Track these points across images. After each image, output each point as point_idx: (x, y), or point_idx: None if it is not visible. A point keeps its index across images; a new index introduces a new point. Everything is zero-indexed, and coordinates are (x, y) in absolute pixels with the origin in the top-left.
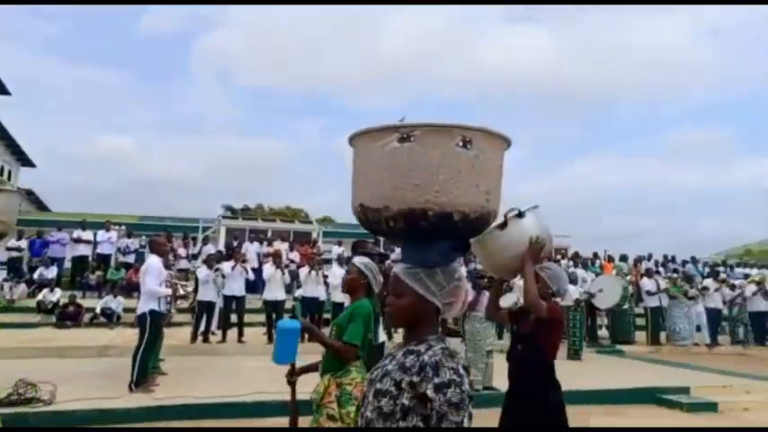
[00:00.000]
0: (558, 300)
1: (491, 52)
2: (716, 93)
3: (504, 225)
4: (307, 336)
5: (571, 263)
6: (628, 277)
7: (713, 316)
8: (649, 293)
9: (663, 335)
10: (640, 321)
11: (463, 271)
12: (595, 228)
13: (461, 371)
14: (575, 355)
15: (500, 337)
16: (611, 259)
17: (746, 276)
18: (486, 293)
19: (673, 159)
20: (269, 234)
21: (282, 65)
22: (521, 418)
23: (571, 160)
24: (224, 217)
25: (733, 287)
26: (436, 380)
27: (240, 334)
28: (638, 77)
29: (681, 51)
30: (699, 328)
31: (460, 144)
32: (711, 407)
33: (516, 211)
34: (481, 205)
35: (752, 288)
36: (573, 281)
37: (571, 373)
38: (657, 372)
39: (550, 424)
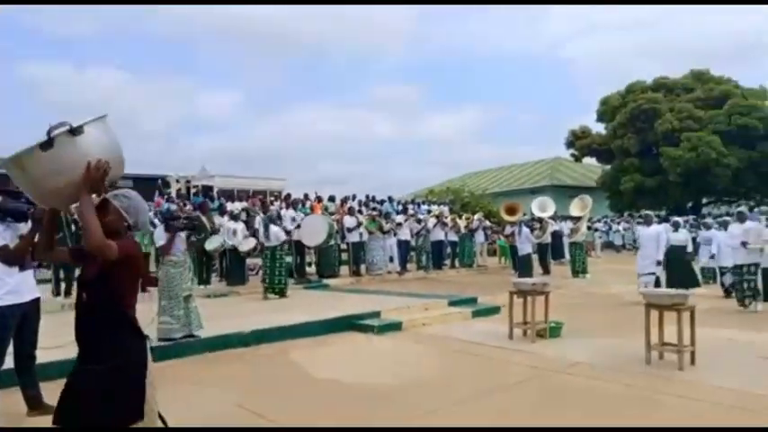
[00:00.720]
0: (132, 234)
1: None
2: (411, 54)
3: (48, 144)
4: None
5: (283, 204)
6: (333, 216)
7: (403, 247)
8: (349, 230)
9: (363, 267)
10: (346, 256)
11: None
12: (312, 173)
13: None
14: (280, 293)
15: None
16: (320, 200)
17: (429, 212)
18: (182, 235)
19: (376, 110)
20: None
21: None
22: (86, 386)
23: (289, 106)
24: None
25: (419, 221)
26: None
27: None
28: (352, 34)
29: (385, 13)
30: (392, 259)
31: None
32: (397, 326)
33: (67, 126)
34: None
35: (433, 221)
36: (274, 220)
37: (276, 311)
38: (357, 300)
39: (121, 391)
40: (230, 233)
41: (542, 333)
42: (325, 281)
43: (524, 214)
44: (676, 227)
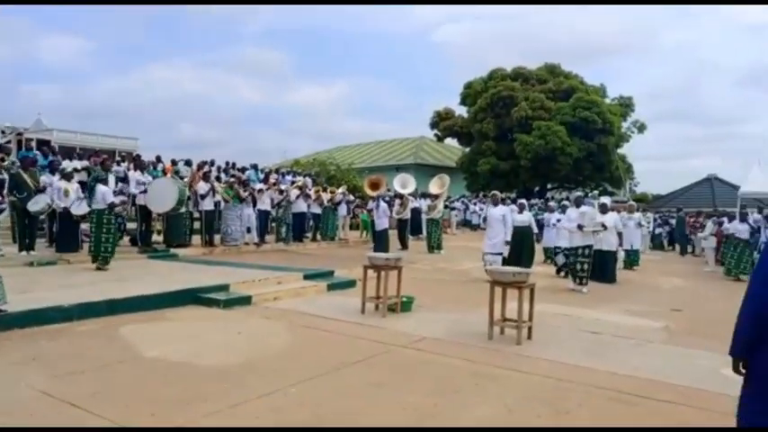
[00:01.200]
0: None
1: None
2: (282, 20)
3: None
4: None
5: (131, 165)
6: (185, 179)
7: (262, 217)
8: (202, 197)
9: (219, 238)
10: (199, 225)
11: None
12: (172, 135)
13: None
14: (103, 261)
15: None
16: (174, 163)
17: (294, 183)
18: None
19: (242, 74)
20: None
21: None
22: None
23: (148, 62)
24: None
25: (281, 191)
26: None
27: None
28: None
29: None
30: (249, 230)
31: None
32: (245, 300)
33: None
34: None
35: (295, 192)
36: (103, 180)
37: (109, 281)
38: (205, 272)
39: None
40: (60, 194)
41: (394, 307)
42: (174, 251)
43: (388, 190)
44: (521, 209)
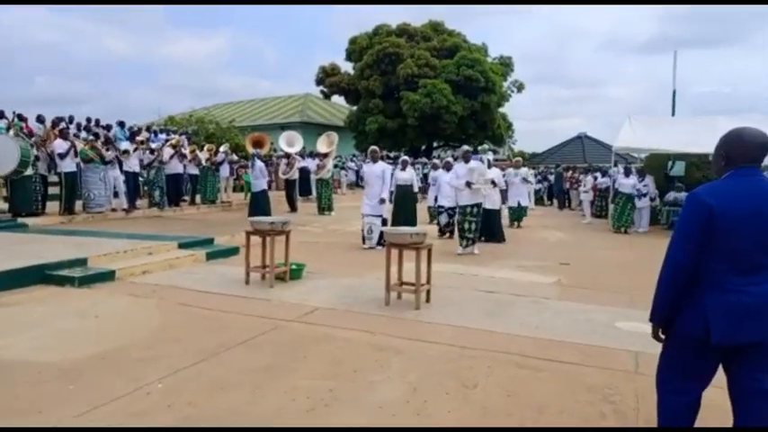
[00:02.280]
0: None
1: None
2: None
3: None
4: None
5: None
6: (34, 138)
7: (131, 180)
8: (61, 156)
9: (81, 204)
10: (56, 190)
11: None
12: (26, 89)
13: None
14: None
15: None
16: (21, 118)
17: (167, 141)
18: None
19: (106, 24)
20: None
21: None
22: None
23: None
24: None
25: (152, 151)
26: None
27: None
28: None
29: None
30: (117, 194)
31: None
32: (107, 276)
33: None
34: None
35: (169, 151)
36: None
37: None
38: (59, 245)
39: None
40: None
41: (282, 276)
42: (23, 220)
43: (274, 150)
44: (404, 165)
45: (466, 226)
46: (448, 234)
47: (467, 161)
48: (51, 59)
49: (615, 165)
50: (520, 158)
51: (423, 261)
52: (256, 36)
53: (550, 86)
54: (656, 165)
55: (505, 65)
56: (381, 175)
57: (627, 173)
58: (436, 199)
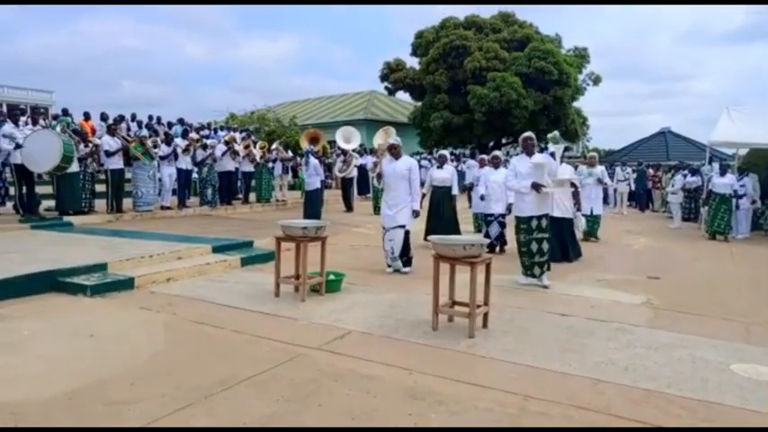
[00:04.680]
0: None
1: None
2: None
3: None
4: None
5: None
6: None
7: (183, 177)
8: (108, 154)
9: (131, 202)
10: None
11: None
12: (115, 94)
13: None
14: None
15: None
16: (87, 117)
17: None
18: None
19: (184, 29)
20: None
21: None
22: None
23: (78, 16)
24: None
25: (204, 147)
26: None
27: None
28: None
29: None
30: (175, 192)
31: None
32: (127, 284)
33: None
34: None
35: (222, 148)
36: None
37: None
38: (87, 246)
39: None
40: None
41: (318, 288)
42: (70, 219)
43: (331, 146)
44: (442, 162)
45: (533, 247)
46: (499, 248)
47: (529, 154)
48: (136, 65)
49: (710, 162)
50: (595, 154)
51: (479, 278)
52: (325, 36)
53: (627, 81)
54: (759, 162)
55: (581, 56)
56: (408, 175)
57: (723, 171)
58: (482, 198)
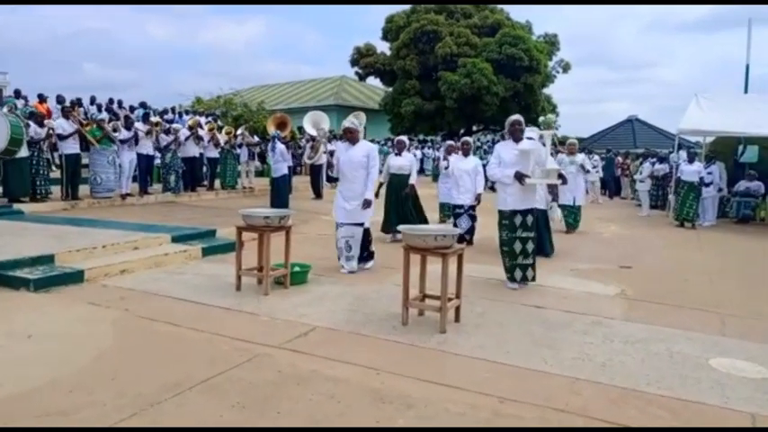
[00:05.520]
0: None
1: None
2: None
3: None
4: None
5: None
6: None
7: (144, 163)
8: (62, 138)
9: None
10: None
11: None
12: (76, 76)
13: None
14: None
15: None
16: (42, 100)
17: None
18: None
19: (147, 10)
20: None
21: None
22: None
23: None
24: None
25: (167, 132)
26: None
27: None
28: None
29: None
30: (136, 178)
31: None
32: (76, 277)
33: None
34: None
35: (185, 132)
36: None
37: None
38: (35, 236)
39: None
40: None
41: (282, 281)
42: (20, 206)
43: (303, 133)
44: (400, 149)
45: (516, 247)
46: (466, 241)
47: (516, 140)
48: (100, 47)
49: (678, 149)
50: (575, 141)
51: (451, 270)
52: (295, 20)
53: (594, 68)
54: (724, 150)
55: (551, 43)
56: (365, 163)
57: (691, 159)
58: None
